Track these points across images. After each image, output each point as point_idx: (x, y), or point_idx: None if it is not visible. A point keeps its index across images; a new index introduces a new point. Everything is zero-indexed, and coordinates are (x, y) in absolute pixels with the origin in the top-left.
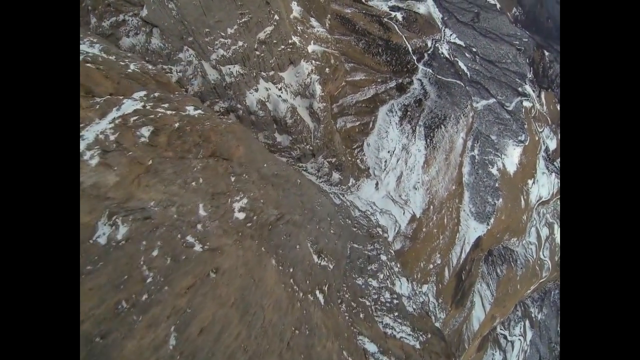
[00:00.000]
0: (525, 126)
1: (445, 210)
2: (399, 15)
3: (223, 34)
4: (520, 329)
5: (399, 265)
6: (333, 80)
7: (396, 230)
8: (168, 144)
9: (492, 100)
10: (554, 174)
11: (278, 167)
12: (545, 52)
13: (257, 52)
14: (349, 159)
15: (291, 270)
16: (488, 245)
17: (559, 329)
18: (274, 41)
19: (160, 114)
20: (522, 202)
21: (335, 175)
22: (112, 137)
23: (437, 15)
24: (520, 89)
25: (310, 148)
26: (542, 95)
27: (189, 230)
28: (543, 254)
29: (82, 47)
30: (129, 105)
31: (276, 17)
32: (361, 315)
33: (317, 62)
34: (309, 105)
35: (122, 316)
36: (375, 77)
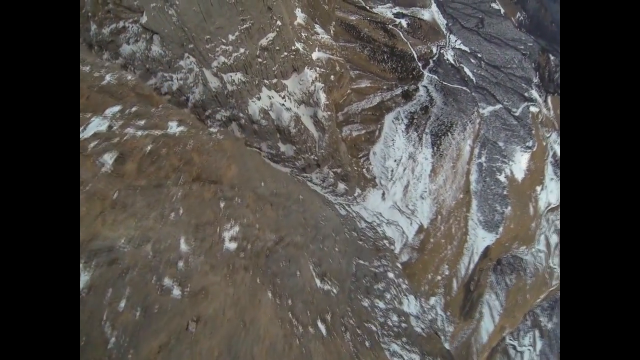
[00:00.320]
0: (533, 132)
1: (453, 220)
2: (404, 22)
3: (224, 40)
4: (530, 339)
5: (406, 282)
6: (338, 88)
7: (403, 242)
8: (138, 171)
9: (498, 106)
10: None
11: (278, 184)
12: (551, 56)
13: (259, 59)
14: (355, 168)
15: (290, 302)
16: (497, 254)
17: None
18: (277, 48)
19: (127, 137)
20: (531, 209)
21: (341, 186)
22: None
23: (441, 21)
24: (526, 94)
25: (315, 158)
26: (549, 100)
27: (167, 271)
28: (553, 262)
29: None
30: (94, 126)
31: (278, 23)
32: (367, 344)
33: (322, 70)
34: (314, 114)
35: None
36: (381, 84)
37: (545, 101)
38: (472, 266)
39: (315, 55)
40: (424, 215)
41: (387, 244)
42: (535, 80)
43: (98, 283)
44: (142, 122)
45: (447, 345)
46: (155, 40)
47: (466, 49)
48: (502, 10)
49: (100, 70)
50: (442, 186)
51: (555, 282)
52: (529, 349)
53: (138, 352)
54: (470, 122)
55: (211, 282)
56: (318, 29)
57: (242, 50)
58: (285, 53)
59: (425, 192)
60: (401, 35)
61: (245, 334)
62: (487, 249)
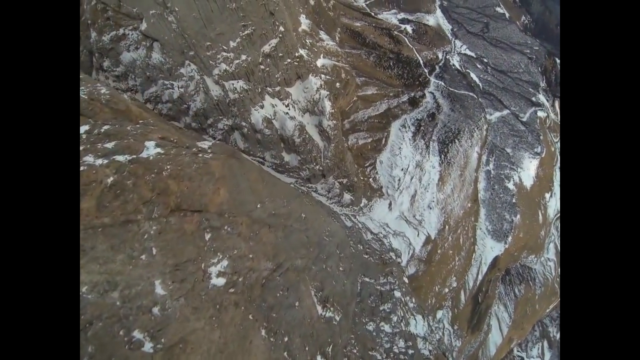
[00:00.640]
0: (541, 137)
1: (461, 230)
2: (409, 28)
3: (225, 47)
4: (538, 349)
5: (414, 300)
6: (344, 95)
7: (410, 254)
8: (98, 208)
9: (505, 112)
10: None
11: (277, 204)
12: (557, 59)
13: (262, 66)
14: (361, 178)
15: (286, 339)
16: (505, 264)
17: None
18: (280, 54)
19: (83, 168)
20: (540, 217)
21: (347, 196)
22: None
23: (446, 26)
24: (533, 98)
25: (320, 168)
26: (556, 104)
27: (139, 320)
28: None
29: None
30: None
31: (281, 28)
32: None
33: (327, 77)
34: (318, 122)
35: None
36: (387, 91)
37: (553, 106)
38: (480, 277)
39: (320, 62)
40: (432, 225)
41: (394, 257)
42: (542, 84)
43: None
44: (110, 145)
45: None
46: (155, 47)
47: (472, 54)
48: (507, 14)
49: None
50: (449, 195)
51: None
52: None
53: None
54: (477, 128)
55: (192, 330)
56: (323, 35)
57: (243, 57)
58: (289, 60)
59: (433, 201)
60: (407, 41)
61: None
62: (496, 259)
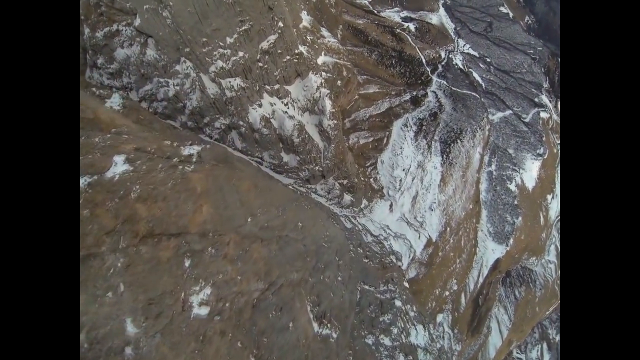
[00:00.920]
0: (544, 138)
1: (463, 232)
2: (412, 26)
3: (222, 43)
4: (538, 351)
5: (414, 308)
6: (345, 94)
7: (411, 257)
8: None
9: (508, 112)
10: None
11: (271, 215)
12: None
13: (260, 64)
14: (362, 179)
15: None
16: (506, 266)
17: None
18: (279, 51)
19: None
20: (542, 219)
21: (347, 197)
22: None
23: (449, 25)
24: (536, 99)
25: (320, 169)
26: (559, 105)
27: None
28: None
29: None
30: None
31: (280, 24)
32: None
33: (328, 74)
34: (319, 122)
35: None
36: (389, 89)
37: (556, 107)
38: (481, 280)
39: (321, 59)
40: (433, 227)
41: (395, 260)
42: (545, 85)
43: None
44: None
45: None
46: (150, 43)
47: (475, 53)
48: (511, 14)
49: None
50: (451, 196)
51: None
52: None
53: None
54: (479, 128)
55: None
56: (324, 32)
57: (241, 53)
58: (288, 57)
59: (434, 203)
60: (409, 39)
61: None
62: (497, 261)
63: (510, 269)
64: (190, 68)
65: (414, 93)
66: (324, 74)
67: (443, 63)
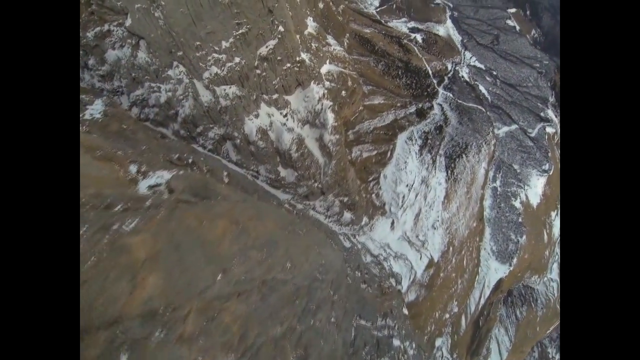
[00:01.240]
0: (549, 154)
1: (465, 251)
2: (419, 37)
3: (217, 48)
4: None
5: (414, 345)
6: (350, 105)
7: (411, 279)
8: None
9: (514, 127)
10: None
11: (251, 262)
12: None
13: (258, 71)
14: (364, 196)
15: None
16: (509, 285)
17: None
18: (278, 58)
19: None
20: (545, 236)
21: (347, 215)
22: None
23: (456, 37)
24: (542, 114)
25: (319, 186)
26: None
27: None
28: None
29: None
30: None
31: (281, 28)
32: None
33: (333, 84)
34: (319, 136)
35: None
36: (395, 101)
37: None
38: (482, 301)
39: (325, 68)
40: (435, 247)
41: (394, 284)
42: (551, 99)
43: None
44: None
45: None
46: (141, 45)
47: (481, 66)
48: (518, 27)
49: None
50: (455, 214)
51: None
52: None
53: None
54: (485, 143)
55: None
56: (330, 40)
57: (237, 59)
58: (289, 64)
59: (438, 221)
60: (416, 50)
61: None
62: (500, 281)
63: (512, 287)
64: (183, 73)
65: (420, 105)
66: (327, 83)
67: (449, 75)
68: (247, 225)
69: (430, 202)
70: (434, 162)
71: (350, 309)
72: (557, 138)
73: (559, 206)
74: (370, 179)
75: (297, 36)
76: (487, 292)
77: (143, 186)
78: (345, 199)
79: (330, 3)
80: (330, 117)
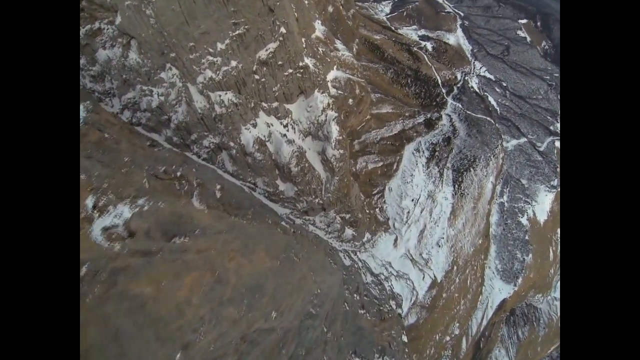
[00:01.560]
0: (558, 169)
1: (470, 270)
2: (429, 45)
3: (211, 50)
4: None
5: None
6: (357, 114)
7: (412, 301)
8: None
9: (523, 140)
10: None
11: (225, 324)
12: None
13: (256, 76)
14: (367, 211)
15: None
16: (512, 305)
17: None
18: (279, 62)
19: None
20: (551, 254)
21: (348, 232)
22: None
23: (466, 47)
24: (552, 127)
25: (320, 202)
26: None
27: None
28: None
29: None
30: None
31: (282, 30)
32: None
33: (339, 92)
34: (322, 150)
35: None
36: (403, 110)
37: None
38: (484, 322)
39: (332, 74)
40: (439, 266)
41: (394, 306)
42: None
43: None
44: None
45: None
46: (132, 45)
47: (491, 76)
48: (528, 39)
49: None
50: (460, 231)
51: None
52: None
53: None
54: (493, 156)
55: None
56: (339, 45)
57: (233, 63)
58: (290, 70)
59: (443, 238)
60: (426, 58)
61: None
62: (503, 301)
63: (515, 306)
64: (176, 77)
65: (428, 115)
66: (334, 90)
67: (459, 85)
68: (226, 269)
69: (436, 217)
70: (441, 175)
71: (346, 345)
72: None
73: None
74: (375, 192)
75: (303, 39)
76: (490, 312)
77: (97, 228)
78: (348, 216)
79: (341, 7)
80: (334, 129)
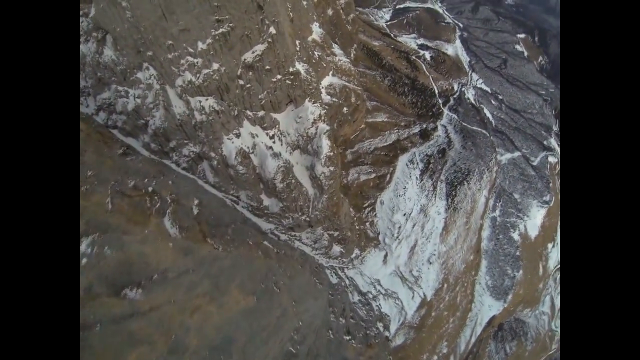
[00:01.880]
0: (550, 185)
1: (460, 287)
2: (427, 55)
3: (191, 49)
4: None
5: None
6: (351, 123)
7: (401, 321)
8: None
9: (517, 154)
10: None
11: None
12: None
13: (241, 81)
14: (357, 226)
15: None
16: (500, 320)
17: None
18: (267, 67)
19: None
20: (541, 269)
21: (336, 248)
22: None
23: (464, 58)
24: (545, 142)
25: (307, 219)
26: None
27: None
28: (555, 325)
29: None
30: None
31: (272, 30)
32: None
33: (334, 99)
34: (311, 165)
35: None
36: (399, 119)
37: None
38: (473, 339)
39: (327, 80)
40: (429, 284)
41: (381, 329)
42: (555, 128)
43: None
44: None
45: None
46: (107, 41)
47: (487, 89)
48: (526, 53)
49: None
50: (452, 247)
51: (555, 346)
52: None
53: None
54: (487, 169)
55: None
56: (337, 49)
57: (215, 65)
58: (279, 76)
59: (434, 254)
60: (424, 67)
61: None
62: (492, 318)
63: (504, 321)
64: (154, 78)
65: (424, 126)
66: (328, 97)
67: (455, 96)
68: (186, 329)
69: (428, 233)
70: (434, 188)
71: None
72: (558, 168)
73: (556, 238)
74: (366, 204)
75: (297, 42)
76: (479, 330)
77: None
78: (336, 234)
79: (341, 11)
80: (325, 144)
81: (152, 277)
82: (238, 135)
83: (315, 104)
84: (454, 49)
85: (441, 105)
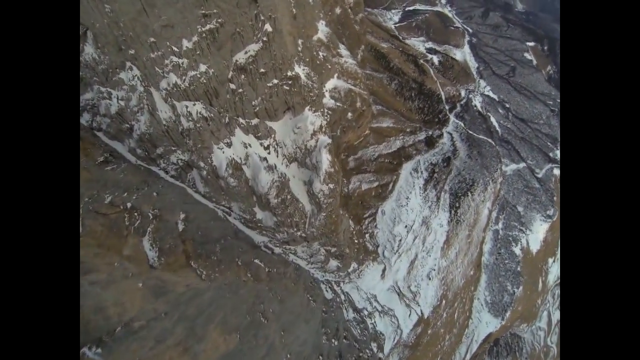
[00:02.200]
0: (555, 198)
1: (458, 303)
2: (435, 59)
3: (175, 48)
4: None
5: None
6: (355, 129)
7: (396, 340)
8: None
9: (522, 165)
10: None
11: None
12: None
13: (232, 86)
14: (356, 241)
15: None
16: (497, 336)
17: None
18: (261, 70)
19: None
20: (540, 284)
21: (333, 263)
22: None
23: (473, 64)
24: (551, 154)
25: (303, 235)
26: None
27: None
28: (550, 340)
29: None
30: None
31: (268, 27)
32: None
33: (338, 103)
34: (309, 181)
35: None
36: (404, 125)
37: None
38: (468, 356)
39: (332, 83)
40: (427, 301)
41: (375, 349)
42: None
43: None
44: None
45: None
46: (88, 37)
47: (495, 97)
48: (534, 62)
49: None
50: (453, 261)
51: None
52: None
53: None
54: (492, 180)
55: None
56: (343, 50)
57: (203, 67)
58: (276, 80)
59: (434, 269)
60: (432, 72)
61: None
62: (489, 335)
63: (500, 337)
64: (137, 78)
65: (430, 132)
66: (332, 102)
67: (462, 103)
68: None
69: (429, 247)
70: (438, 199)
71: None
72: None
73: (557, 252)
74: (367, 215)
75: (300, 41)
76: (475, 347)
77: None
78: (333, 249)
79: (349, 10)
80: (325, 159)
81: (114, 330)
82: (229, 145)
83: (316, 113)
84: (463, 54)
85: (448, 111)
